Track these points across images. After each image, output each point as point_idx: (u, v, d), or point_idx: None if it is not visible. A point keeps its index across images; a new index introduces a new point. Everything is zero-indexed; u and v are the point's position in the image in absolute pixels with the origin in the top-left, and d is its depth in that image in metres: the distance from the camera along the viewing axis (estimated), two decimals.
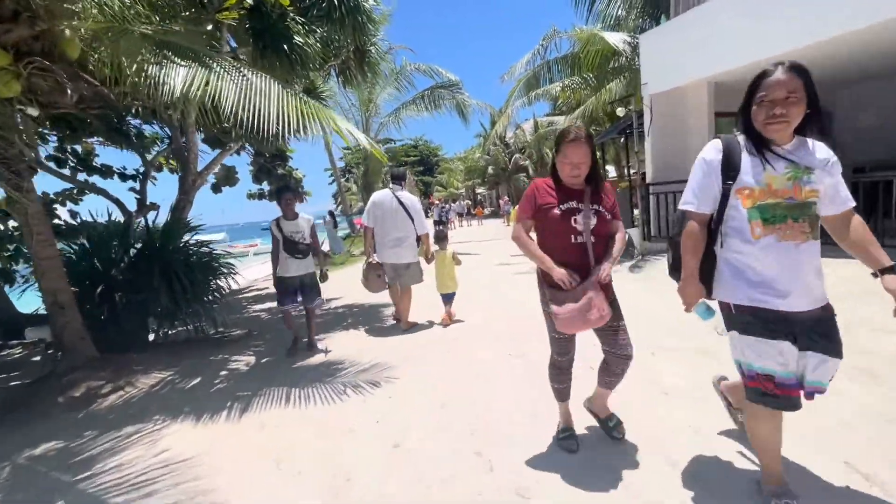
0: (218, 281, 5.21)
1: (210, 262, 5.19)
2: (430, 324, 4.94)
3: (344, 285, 7.73)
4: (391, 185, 4.75)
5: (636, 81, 8.43)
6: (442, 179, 52.07)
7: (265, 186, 9.62)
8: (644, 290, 5.62)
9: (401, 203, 4.64)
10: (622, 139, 10.84)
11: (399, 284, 4.76)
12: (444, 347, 4.17)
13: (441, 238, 4.95)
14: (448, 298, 4.93)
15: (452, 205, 25.80)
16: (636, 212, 9.03)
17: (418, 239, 4.73)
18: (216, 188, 8.37)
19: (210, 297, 5.08)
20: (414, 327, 4.82)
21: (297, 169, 9.33)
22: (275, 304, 5.51)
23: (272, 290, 4.73)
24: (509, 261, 9.80)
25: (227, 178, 8.78)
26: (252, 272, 13.07)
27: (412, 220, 4.63)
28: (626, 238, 2.58)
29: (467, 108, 13.59)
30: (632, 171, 10.35)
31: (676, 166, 7.47)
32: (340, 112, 15.63)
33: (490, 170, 33.05)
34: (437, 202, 27.05)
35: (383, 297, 5.57)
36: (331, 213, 20.10)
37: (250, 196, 10.08)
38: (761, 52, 5.50)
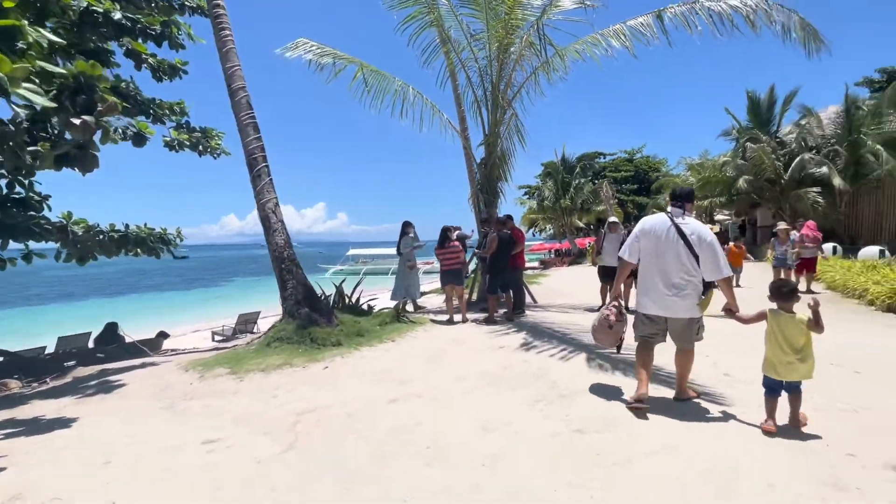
0: None
1: None
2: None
3: None
4: (669, 209, 3.58)
5: None
6: (660, 201, 40.08)
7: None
8: None
9: (680, 234, 3.39)
10: None
11: (675, 345, 3.63)
12: None
13: (785, 293, 3.09)
14: (792, 390, 3.08)
15: None
16: None
17: (706, 285, 3.49)
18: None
19: None
20: (689, 399, 3.66)
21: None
22: None
23: None
24: None
25: None
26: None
27: (697, 259, 3.36)
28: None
29: None
30: None
31: None
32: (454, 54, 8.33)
33: (742, 182, 20.87)
34: None
35: None
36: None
37: None
38: None
